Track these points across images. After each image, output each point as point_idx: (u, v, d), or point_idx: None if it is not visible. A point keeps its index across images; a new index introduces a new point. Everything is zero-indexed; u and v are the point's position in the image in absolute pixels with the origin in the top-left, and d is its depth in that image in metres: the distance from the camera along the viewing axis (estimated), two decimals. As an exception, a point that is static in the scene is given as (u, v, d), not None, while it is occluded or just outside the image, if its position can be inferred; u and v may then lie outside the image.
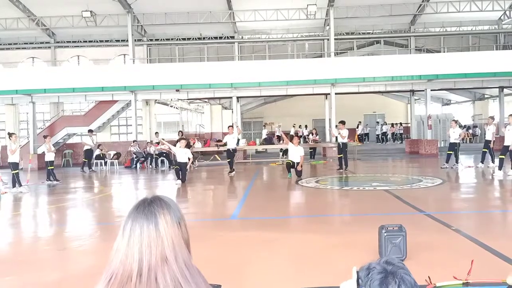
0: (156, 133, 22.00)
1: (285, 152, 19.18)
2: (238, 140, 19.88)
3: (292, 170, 13.28)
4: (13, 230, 7.62)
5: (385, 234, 4.52)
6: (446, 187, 10.71)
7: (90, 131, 19.61)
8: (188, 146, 18.88)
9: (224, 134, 21.47)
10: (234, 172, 14.84)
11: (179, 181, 12.65)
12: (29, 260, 5.41)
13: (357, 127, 31.09)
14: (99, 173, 17.85)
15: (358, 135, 28.59)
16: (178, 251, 1.27)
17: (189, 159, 13.18)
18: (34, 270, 4.98)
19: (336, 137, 15.94)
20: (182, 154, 13.05)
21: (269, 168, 17.66)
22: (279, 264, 4.89)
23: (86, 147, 18.60)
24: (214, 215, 8.53)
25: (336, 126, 16.50)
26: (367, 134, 33.03)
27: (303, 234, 6.22)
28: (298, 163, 13.20)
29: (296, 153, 13.41)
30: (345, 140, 15.09)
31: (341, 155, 15.03)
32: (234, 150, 15.40)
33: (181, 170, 12.82)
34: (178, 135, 19.00)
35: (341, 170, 14.70)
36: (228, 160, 15.25)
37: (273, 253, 5.27)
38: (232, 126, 16.01)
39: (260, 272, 4.63)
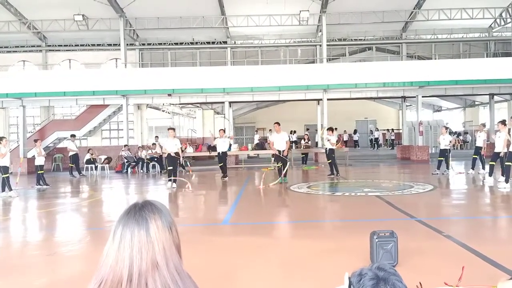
0: (156, 137, 21.94)
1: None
2: (230, 145, 19.85)
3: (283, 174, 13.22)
4: (2, 234, 7.53)
5: (377, 240, 4.52)
6: (437, 193, 10.76)
7: (73, 136, 19.45)
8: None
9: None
10: (227, 178, 14.81)
11: (169, 184, 12.54)
12: (18, 265, 5.35)
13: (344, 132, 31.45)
14: (89, 177, 17.74)
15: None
16: (169, 256, 1.26)
17: (180, 156, 13.05)
18: (23, 275, 4.92)
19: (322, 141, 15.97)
20: (172, 145, 12.84)
21: (261, 173, 17.63)
22: (270, 269, 4.87)
23: (71, 153, 18.50)
24: (205, 220, 8.49)
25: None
26: (346, 141, 32.83)
27: (294, 239, 6.21)
28: (283, 150, 13.16)
29: (281, 139, 13.31)
30: (332, 146, 15.13)
31: (329, 161, 15.08)
32: (225, 154, 15.33)
33: (172, 167, 12.63)
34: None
35: (333, 176, 14.70)
36: (220, 164, 15.17)
37: (264, 259, 5.25)
38: (223, 130, 16.00)
39: (251, 278, 4.61)
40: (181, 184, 12.99)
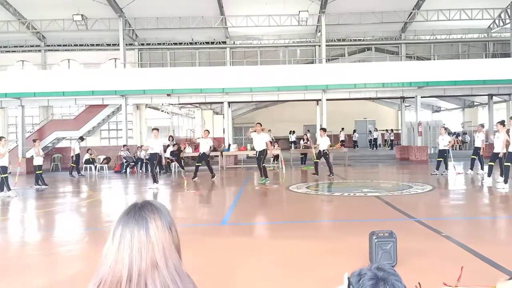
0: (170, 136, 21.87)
1: (276, 157, 19.14)
2: (228, 145, 19.85)
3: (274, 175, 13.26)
4: (1, 234, 7.53)
5: (376, 240, 4.53)
6: (436, 194, 10.76)
7: (81, 138, 19.65)
8: (179, 150, 18.89)
9: (215, 139, 21.44)
10: (215, 177, 14.91)
11: (155, 185, 12.67)
12: (17, 265, 5.34)
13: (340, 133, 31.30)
14: (88, 177, 17.72)
15: (341, 141, 28.18)
16: (169, 256, 1.26)
17: (171, 159, 13.16)
18: (22, 276, 4.91)
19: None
20: (157, 145, 12.94)
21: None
22: (269, 270, 4.87)
23: (73, 153, 18.54)
24: (204, 220, 8.49)
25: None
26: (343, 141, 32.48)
27: (293, 240, 6.21)
28: (266, 150, 13.08)
29: (260, 140, 13.22)
30: (324, 148, 15.17)
31: (325, 161, 15.16)
32: (208, 155, 15.29)
33: (157, 167, 12.85)
34: (169, 140, 19.04)
35: (332, 176, 14.71)
36: (197, 164, 15.10)
37: (263, 259, 5.26)
38: (208, 131, 16.03)
39: (250, 278, 4.61)
40: (181, 185, 12.99)
